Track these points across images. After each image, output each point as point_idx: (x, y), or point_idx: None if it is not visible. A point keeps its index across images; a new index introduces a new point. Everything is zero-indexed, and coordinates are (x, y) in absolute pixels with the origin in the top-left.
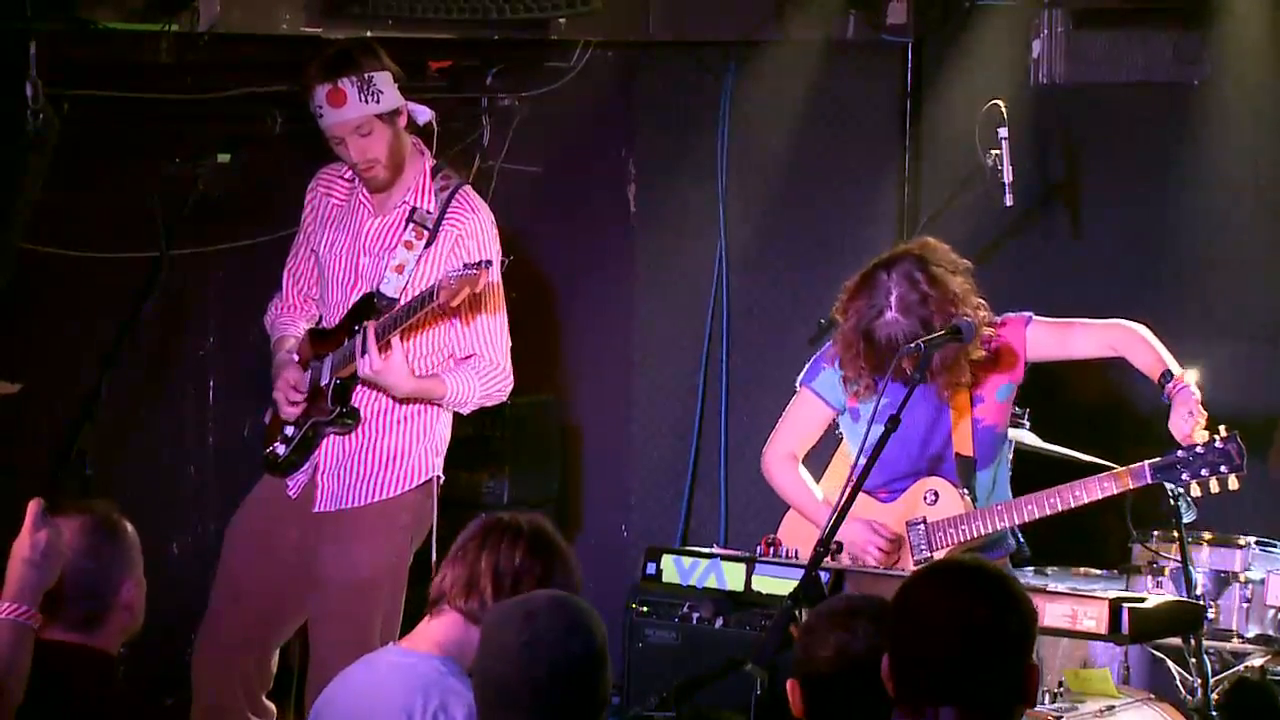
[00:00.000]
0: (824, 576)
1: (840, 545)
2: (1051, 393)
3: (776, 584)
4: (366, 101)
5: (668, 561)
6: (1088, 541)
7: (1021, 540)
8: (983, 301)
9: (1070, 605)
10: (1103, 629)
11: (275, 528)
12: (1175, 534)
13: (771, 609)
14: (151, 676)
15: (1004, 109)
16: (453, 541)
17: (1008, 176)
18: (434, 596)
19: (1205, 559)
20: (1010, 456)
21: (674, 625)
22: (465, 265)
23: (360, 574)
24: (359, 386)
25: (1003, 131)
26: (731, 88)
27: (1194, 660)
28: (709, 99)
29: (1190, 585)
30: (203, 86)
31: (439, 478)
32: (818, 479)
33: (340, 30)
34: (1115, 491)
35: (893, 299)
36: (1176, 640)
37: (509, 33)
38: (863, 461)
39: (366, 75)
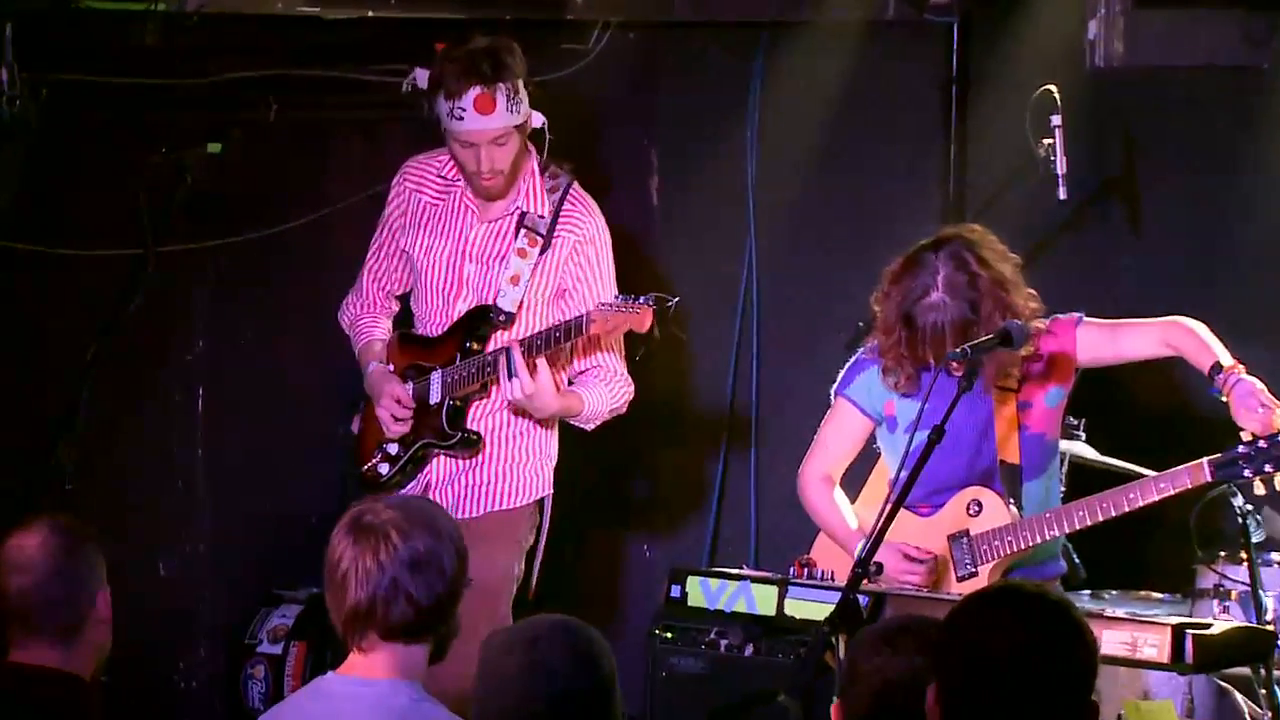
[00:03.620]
0: (863, 600)
1: (880, 566)
2: (1108, 401)
3: (811, 608)
4: (511, 111)
5: (693, 584)
6: (1148, 562)
7: (1077, 561)
8: (1034, 293)
9: (1130, 632)
10: (1165, 658)
11: None
12: (1243, 554)
13: (806, 635)
14: (137, 705)
15: (1057, 95)
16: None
17: (1061, 168)
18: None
19: (1276, 581)
20: (1063, 470)
21: (700, 653)
22: (623, 299)
23: (486, 576)
24: (475, 403)
25: (1056, 119)
26: (762, 72)
27: (1264, 692)
28: (738, 85)
29: (1260, 610)
30: (192, 71)
31: (549, 495)
32: (854, 499)
33: (339, 9)
34: (1173, 492)
35: (939, 279)
36: (1245, 670)
37: (522, 12)
38: (904, 475)
39: (515, 83)
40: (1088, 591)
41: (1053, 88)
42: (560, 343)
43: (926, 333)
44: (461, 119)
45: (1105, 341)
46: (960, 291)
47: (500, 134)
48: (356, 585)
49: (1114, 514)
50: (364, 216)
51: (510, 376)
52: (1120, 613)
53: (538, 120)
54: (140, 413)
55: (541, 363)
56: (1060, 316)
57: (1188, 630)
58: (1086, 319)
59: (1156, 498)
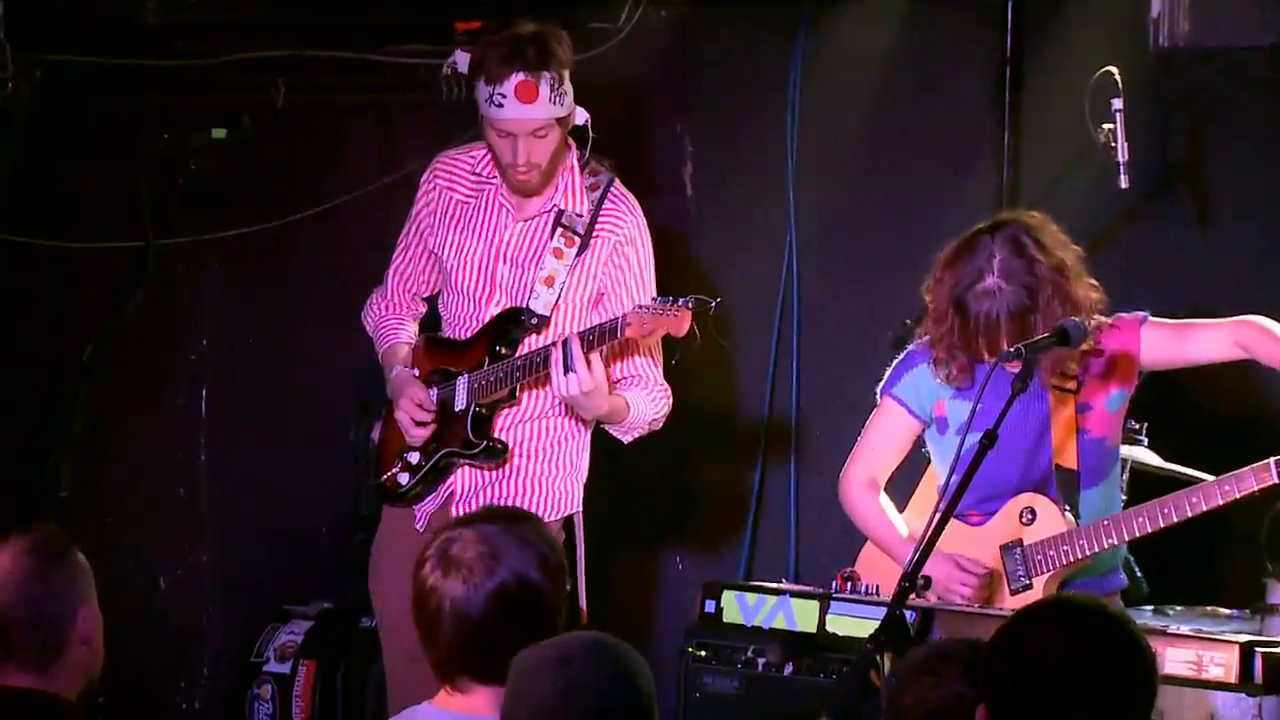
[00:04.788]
0: (909, 616)
1: (928, 580)
2: (1173, 403)
3: (854, 624)
4: (555, 102)
5: (729, 598)
6: (1216, 576)
7: (1139, 574)
8: (1095, 284)
9: (1195, 650)
10: (1233, 678)
11: None
12: None
13: (849, 653)
14: None
15: (1118, 77)
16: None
17: (1123, 155)
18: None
19: None
20: (1124, 478)
21: (736, 672)
22: (660, 301)
23: None
24: (503, 412)
25: (1117, 103)
26: (804, 53)
27: None
28: (778, 65)
29: None
30: (195, 51)
31: (578, 513)
32: (901, 508)
33: None
34: (1239, 495)
35: (995, 263)
36: None
37: None
38: (955, 481)
39: (561, 72)
40: (1150, 607)
41: (1114, 69)
42: (595, 346)
43: (980, 321)
44: (501, 106)
45: (1171, 343)
46: (1017, 277)
47: (541, 125)
48: (447, 626)
49: (1176, 519)
50: (380, 207)
51: (566, 371)
52: (1185, 630)
53: (581, 117)
54: (141, 417)
55: (596, 358)
56: (1124, 315)
57: (1257, 648)
58: (1151, 318)
59: (1221, 501)
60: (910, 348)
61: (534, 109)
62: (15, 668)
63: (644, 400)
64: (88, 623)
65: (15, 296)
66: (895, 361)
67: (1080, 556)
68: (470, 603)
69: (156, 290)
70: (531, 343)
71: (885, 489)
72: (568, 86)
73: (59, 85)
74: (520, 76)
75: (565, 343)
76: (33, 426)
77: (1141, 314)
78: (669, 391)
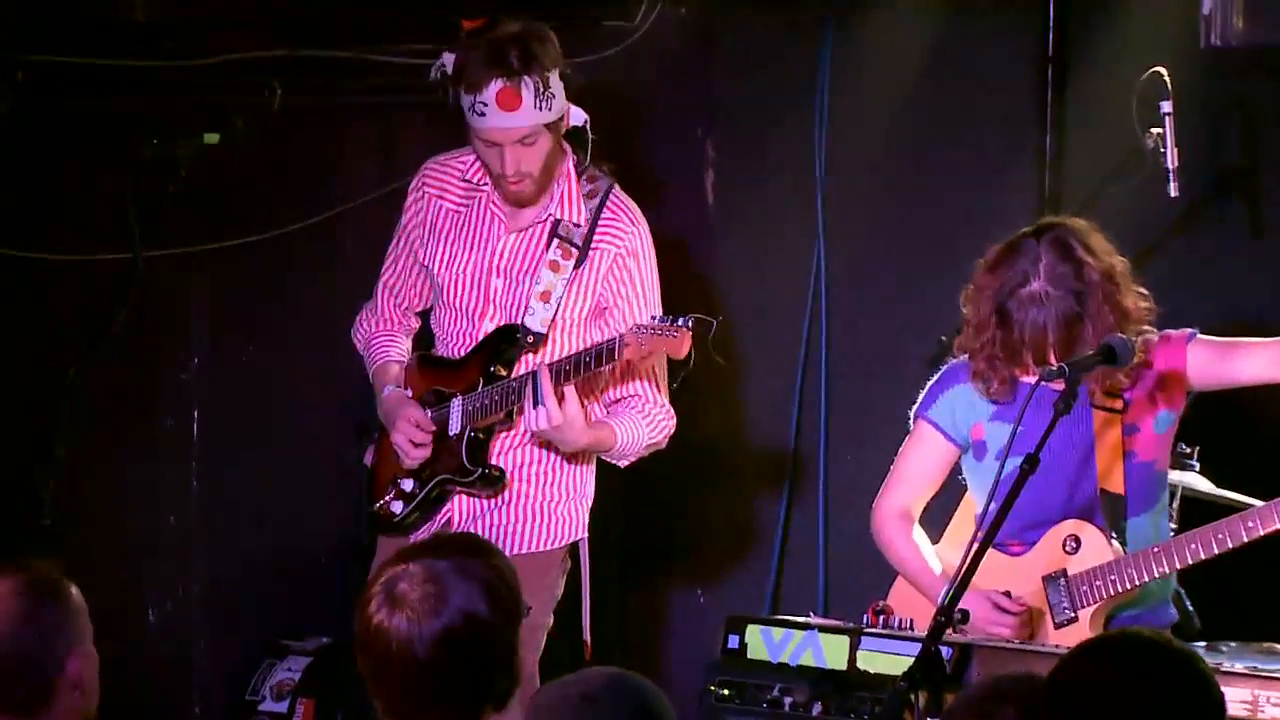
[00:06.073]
0: (946, 652)
1: (965, 614)
2: (1225, 425)
3: (887, 661)
4: (540, 108)
5: (754, 633)
6: (1272, 610)
7: (1191, 609)
8: (1145, 293)
9: (1251, 689)
10: None
11: None
12: None
13: (881, 692)
14: None
15: (1168, 78)
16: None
17: (1172, 161)
18: None
19: None
20: (1174, 506)
21: (762, 711)
22: (659, 321)
23: None
24: (500, 435)
25: (1166, 105)
26: (832, 51)
27: None
28: (805, 65)
29: None
30: (185, 51)
31: (584, 540)
32: (936, 540)
33: None
34: None
35: (1041, 266)
36: None
37: None
38: (994, 508)
39: (546, 75)
40: (1203, 643)
41: (1163, 70)
42: (590, 369)
43: (1025, 329)
44: (484, 115)
45: (1219, 361)
46: (1065, 282)
47: (527, 133)
48: (395, 668)
49: (1231, 545)
50: (379, 217)
51: (535, 404)
52: (1240, 667)
53: (578, 117)
54: (127, 439)
55: (570, 391)
56: (1171, 331)
57: None
58: (1200, 336)
59: (1279, 526)
60: (945, 367)
61: (517, 116)
62: (2, 714)
63: (638, 425)
64: (79, 666)
65: None
66: (930, 383)
67: (1129, 586)
68: (417, 644)
69: (144, 305)
70: (529, 362)
71: (919, 521)
72: (556, 88)
73: (41, 87)
74: (500, 84)
75: (534, 375)
76: (13, 449)
77: (1189, 331)
78: (671, 412)
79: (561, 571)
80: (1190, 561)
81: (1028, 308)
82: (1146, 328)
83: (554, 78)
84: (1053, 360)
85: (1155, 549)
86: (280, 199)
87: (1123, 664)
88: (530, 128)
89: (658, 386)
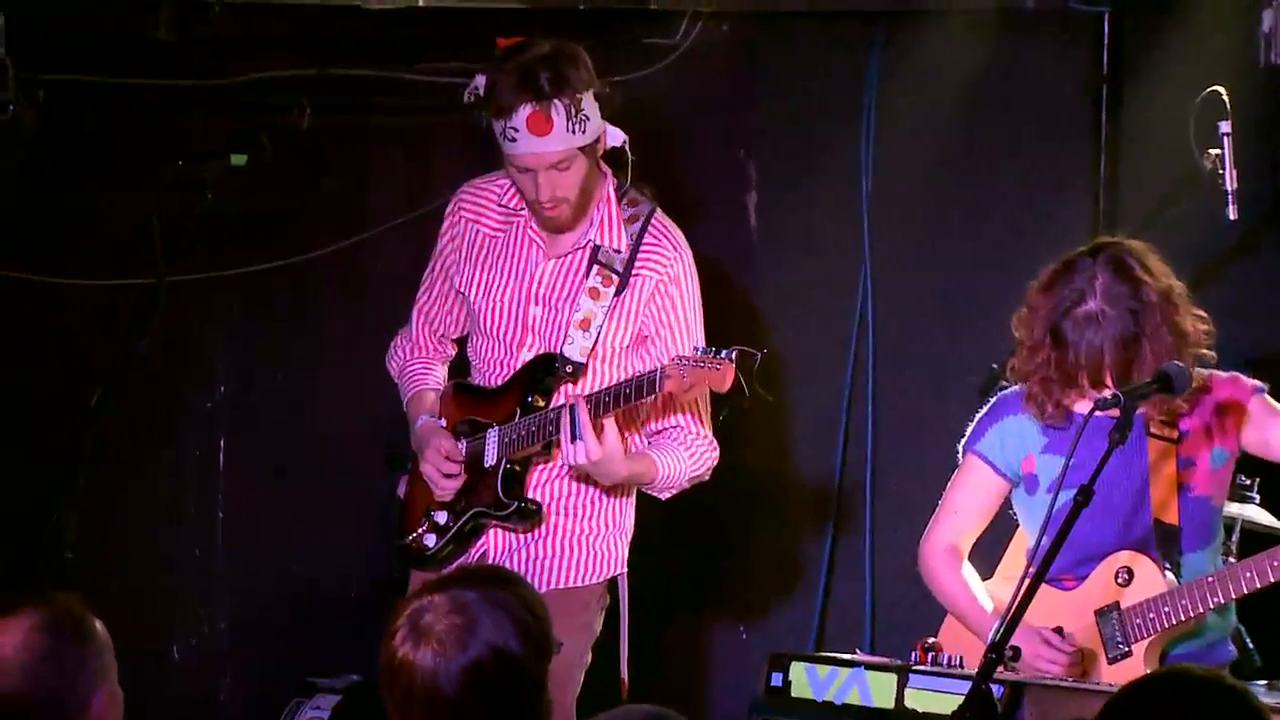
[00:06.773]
0: (997, 691)
1: (1017, 650)
2: None
3: (936, 700)
4: (573, 131)
5: (798, 671)
6: None
7: (1251, 646)
8: (1203, 315)
9: None
10: None
11: None
12: None
13: None
14: None
15: (1226, 97)
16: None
17: (1231, 183)
18: None
19: None
20: (1233, 540)
21: None
22: (701, 353)
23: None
24: (538, 466)
25: (1224, 126)
26: (879, 70)
27: None
28: (851, 85)
29: None
30: (212, 70)
31: (623, 575)
32: (986, 577)
33: None
34: None
35: (1097, 284)
36: None
37: (598, 1)
38: (1046, 542)
39: (578, 97)
40: (1264, 682)
41: (1221, 89)
42: (630, 401)
43: (1080, 350)
44: (515, 140)
45: (1269, 428)
46: (1122, 302)
47: (560, 158)
48: (419, 703)
49: None
50: (411, 239)
51: (573, 439)
52: None
53: (616, 137)
54: (152, 469)
55: (609, 423)
56: (1241, 376)
57: None
58: (1268, 395)
59: None
60: (996, 399)
61: (549, 141)
62: None
63: (680, 457)
64: (104, 705)
65: (15, 337)
66: (980, 415)
67: (1184, 618)
68: (442, 678)
69: (169, 330)
70: (567, 392)
71: (969, 557)
72: (589, 110)
73: (64, 106)
74: (530, 108)
75: (571, 408)
76: (34, 479)
77: (1260, 384)
78: (714, 443)
79: (600, 607)
80: (1245, 590)
81: (1083, 328)
82: (1205, 351)
83: (587, 99)
84: (1109, 383)
85: (1210, 578)
86: (309, 222)
87: (1172, 701)
88: (563, 152)
89: (700, 418)
